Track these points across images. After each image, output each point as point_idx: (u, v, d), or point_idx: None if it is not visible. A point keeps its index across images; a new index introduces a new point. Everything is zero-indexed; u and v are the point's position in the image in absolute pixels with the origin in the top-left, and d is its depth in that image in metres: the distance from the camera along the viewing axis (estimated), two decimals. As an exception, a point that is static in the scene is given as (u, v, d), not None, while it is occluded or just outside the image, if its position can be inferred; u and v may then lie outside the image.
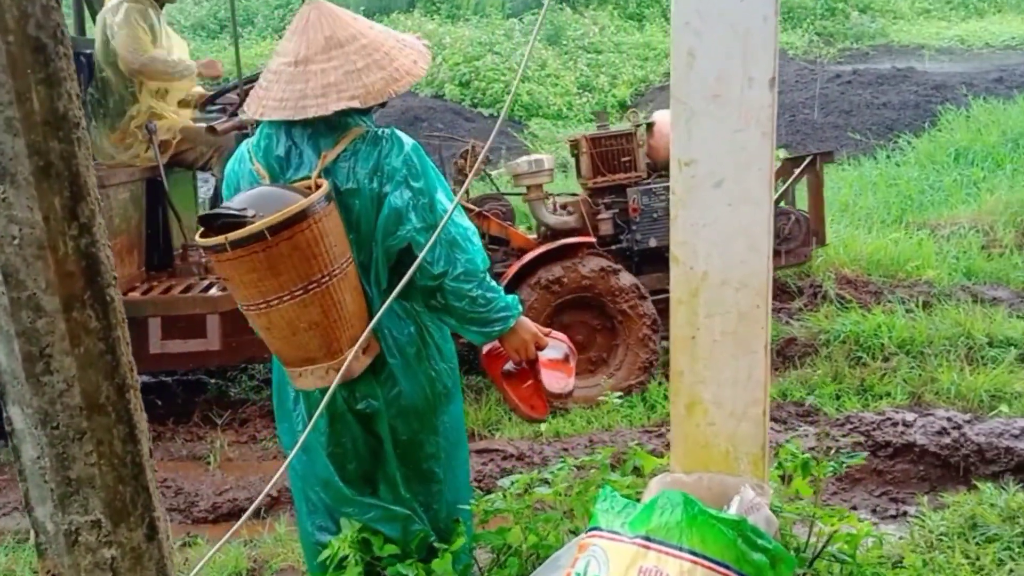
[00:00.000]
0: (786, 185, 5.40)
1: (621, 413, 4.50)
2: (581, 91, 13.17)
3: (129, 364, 1.35)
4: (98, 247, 1.27)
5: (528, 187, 5.14)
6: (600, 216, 5.15)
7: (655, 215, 5.03)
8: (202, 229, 2.37)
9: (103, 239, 1.29)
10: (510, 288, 4.71)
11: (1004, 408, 4.35)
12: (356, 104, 2.39)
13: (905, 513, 3.71)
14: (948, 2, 17.83)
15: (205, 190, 6.40)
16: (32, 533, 1.32)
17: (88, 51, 4.93)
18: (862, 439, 4.13)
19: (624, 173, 5.16)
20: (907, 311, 5.45)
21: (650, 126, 5.22)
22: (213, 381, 5.59)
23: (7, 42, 1.10)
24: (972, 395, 4.49)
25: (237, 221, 2.27)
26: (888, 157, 9.03)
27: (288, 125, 2.45)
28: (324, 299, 2.34)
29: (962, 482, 3.90)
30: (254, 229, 2.24)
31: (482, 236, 5.08)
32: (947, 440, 4.03)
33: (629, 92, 13.13)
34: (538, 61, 13.28)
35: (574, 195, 5.43)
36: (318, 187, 2.36)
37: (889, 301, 5.62)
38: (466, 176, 5.22)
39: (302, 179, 2.42)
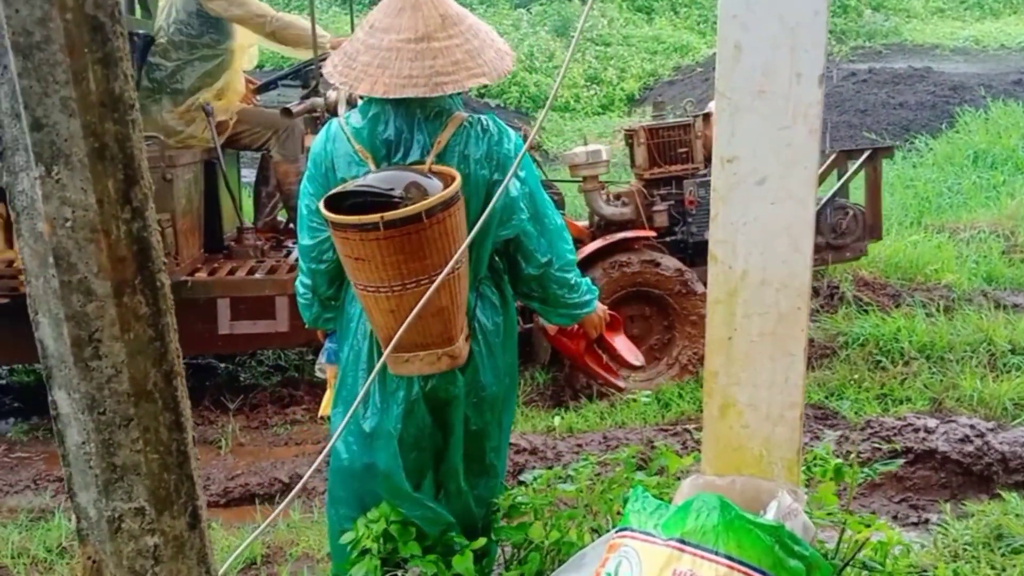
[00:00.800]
0: (843, 179, 5.35)
1: (635, 410, 4.46)
2: (589, 84, 13.12)
3: (177, 351, 1.32)
4: (149, 232, 1.24)
5: (584, 177, 5.12)
6: (655, 207, 5.14)
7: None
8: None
9: (154, 223, 1.25)
10: None
11: (1028, 416, 4.31)
12: (485, 81, 2.40)
13: (927, 521, 3.66)
14: (963, 2, 17.75)
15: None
16: (74, 518, 1.29)
17: (140, 31, 4.85)
18: (883, 444, 4.09)
19: (681, 164, 5.14)
20: (927, 315, 5.40)
21: (707, 116, 5.17)
22: (223, 366, 5.56)
23: (65, 20, 1.06)
24: (995, 403, 4.45)
25: (384, 201, 2.25)
26: (905, 158, 8.97)
27: (397, 106, 2.42)
28: (454, 285, 2.38)
29: (984, 491, 3.86)
30: (415, 210, 2.24)
31: None
32: (970, 448, 3.98)
33: (638, 86, 13.08)
34: (545, 53, 13.23)
35: (628, 185, 5.42)
36: (431, 171, 2.36)
37: (908, 305, 5.57)
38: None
39: (415, 163, 2.41)
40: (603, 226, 5.11)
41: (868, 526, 2.50)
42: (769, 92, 2.15)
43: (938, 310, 5.45)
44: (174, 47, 4.80)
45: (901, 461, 3.28)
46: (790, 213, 2.20)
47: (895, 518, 3.76)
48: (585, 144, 5.23)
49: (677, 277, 4.81)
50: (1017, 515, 3.37)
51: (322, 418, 2.82)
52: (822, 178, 5.18)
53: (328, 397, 2.79)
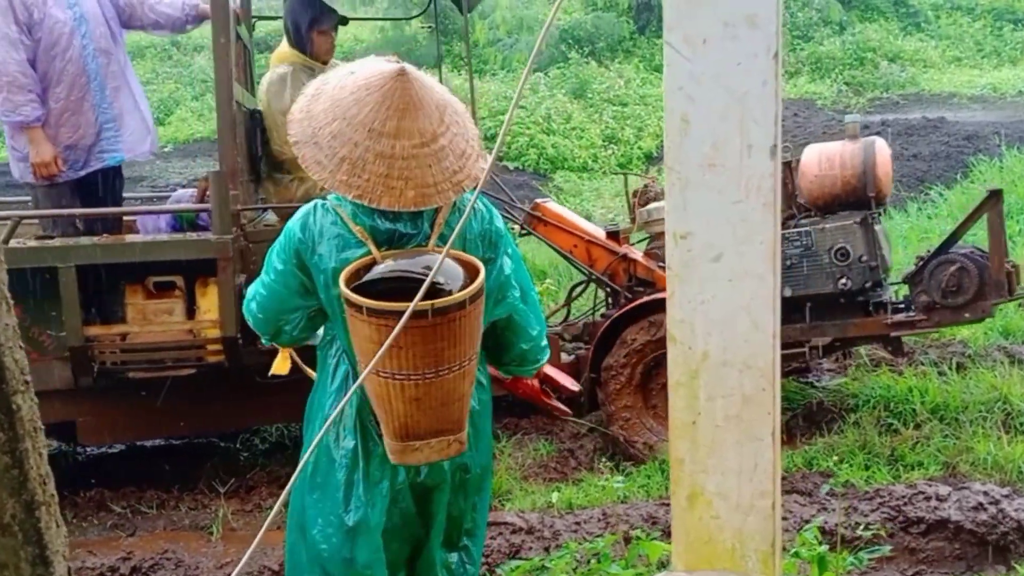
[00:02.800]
0: (956, 227, 4.86)
1: (637, 483, 4.31)
2: (606, 143, 13.14)
3: (40, 478, 1.22)
4: (2, 351, 1.15)
5: (658, 234, 5.02)
6: None
7: (789, 262, 4.73)
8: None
9: (10, 341, 1.16)
10: (615, 327, 4.78)
11: (1045, 480, 4.11)
12: (482, 163, 2.38)
13: (939, 597, 3.47)
14: (980, 50, 17.69)
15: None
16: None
17: (253, 107, 4.94)
18: (892, 514, 3.91)
19: None
20: (940, 373, 5.22)
21: (788, 164, 4.99)
22: (223, 444, 5.47)
23: None
24: (1011, 466, 4.25)
25: (415, 287, 2.17)
26: (919, 209, 8.83)
27: None
28: (472, 370, 2.37)
29: (1001, 562, 3.66)
30: (459, 297, 2.22)
31: (629, 278, 5.07)
32: (984, 516, 3.78)
33: (655, 144, 13.07)
34: (563, 115, 13.29)
35: None
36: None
37: (921, 363, 5.39)
38: (636, 215, 5.26)
39: (417, 246, 2.38)
40: None
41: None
42: (719, 165, 2.07)
43: (952, 368, 5.26)
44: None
45: (887, 548, 3.10)
46: (749, 290, 2.10)
47: (906, 595, 3.57)
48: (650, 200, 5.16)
49: None
50: (1033, 590, 3.18)
51: (272, 376, 2.74)
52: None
53: (281, 357, 2.74)
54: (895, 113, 13.11)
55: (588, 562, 2.46)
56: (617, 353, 4.74)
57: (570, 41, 16.47)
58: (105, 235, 4.59)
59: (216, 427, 5.21)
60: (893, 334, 4.76)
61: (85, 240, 4.37)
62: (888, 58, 16.56)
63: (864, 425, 4.72)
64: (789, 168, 4.96)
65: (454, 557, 2.65)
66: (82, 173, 4.73)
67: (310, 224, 2.40)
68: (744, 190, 2.06)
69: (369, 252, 2.33)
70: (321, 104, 2.32)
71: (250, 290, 2.55)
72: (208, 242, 4.20)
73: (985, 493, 3.89)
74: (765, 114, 2.03)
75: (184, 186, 8.69)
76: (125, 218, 5.05)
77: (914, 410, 4.82)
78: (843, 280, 4.69)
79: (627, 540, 2.93)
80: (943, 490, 3.94)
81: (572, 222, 5.27)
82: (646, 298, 4.76)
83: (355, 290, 2.25)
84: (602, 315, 5.21)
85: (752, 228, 2.07)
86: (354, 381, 2.45)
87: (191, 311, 4.32)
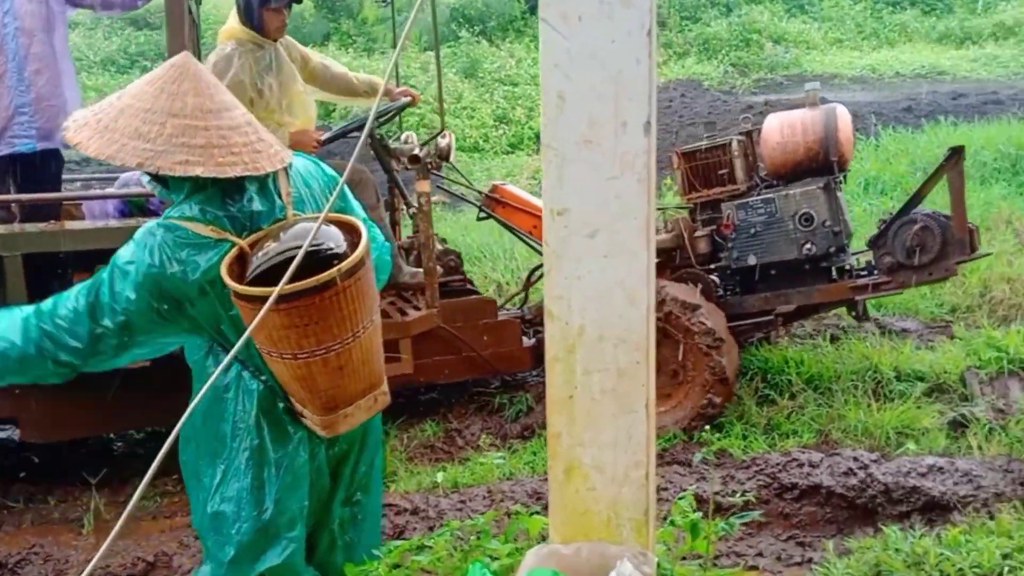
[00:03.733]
0: (919, 187, 4.92)
1: (523, 460, 4.35)
2: (498, 123, 13.11)
3: None
4: None
5: None
6: (698, 233, 4.96)
7: (753, 230, 4.79)
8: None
9: None
10: None
11: (911, 445, 4.31)
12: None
13: (811, 560, 3.61)
14: (860, 32, 18.25)
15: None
16: None
17: None
18: (768, 481, 4.05)
19: (721, 187, 4.95)
20: (814, 346, 5.41)
21: (750, 133, 5.03)
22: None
23: None
24: (879, 432, 4.45)
25: (323, 256, 2.19)
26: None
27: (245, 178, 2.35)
28: (379, 318, 2.41)
29: (869, 523, 3.84)
30: (360, 254, 2.22)
31: None
32: (854, 481, 3.96)
33: (546, 123, 13.10)
34: (454, 94, 13.21)
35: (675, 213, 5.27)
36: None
37: (798, 336, 5.58)
38: None
39: (275, 221, 2.36)
40: None
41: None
42: (595, 142, 2.08)
43: (825, 340, 5.46)
44: None
45: (757, 513, 3.21)
46: (624, 266, 2.12)
47: (779, 559, 3.71)
48: None
49: (677, 309, 4.57)
50: (897, 549, 3.33)
51: None
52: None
53: None
54: (779, 93, 13.44)
55: (468, 539, 2.47)
56: None
57: (460, 20, 16.36)
58: (52, 221, 4.33)
59: (167, 421, 4.96)
60: (858, 298, 4.84)
61: (32, 227, 4.13)
62: (773, 39, 16.94)
63: (743, 396, 4.86)
64: (750, 139, 5.03)
65: (347, 512, 2.70)
66: None
67: (156, 246, 2.32)
68: (619, 167, 2.08)
69: (232, 246, 2.29)
70: (132, 121, 2.28)
71: (74, 316, 2.37)
72: None
73: (855, 459, 4.07)
74: (639, 91, 2.05)
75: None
76: (69, 203, 4.80)
77: (790, 381, 4.98)
78: (808, 246, 4.75)
79: (510, 516, 2.96)
80: (816, 457, 4.11)
81: (532, 203, 5.26)
82: None
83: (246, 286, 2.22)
84: None
85: (627, 204, 2.09)
86: (259, 377, 2.43)
87: None
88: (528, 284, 5.62)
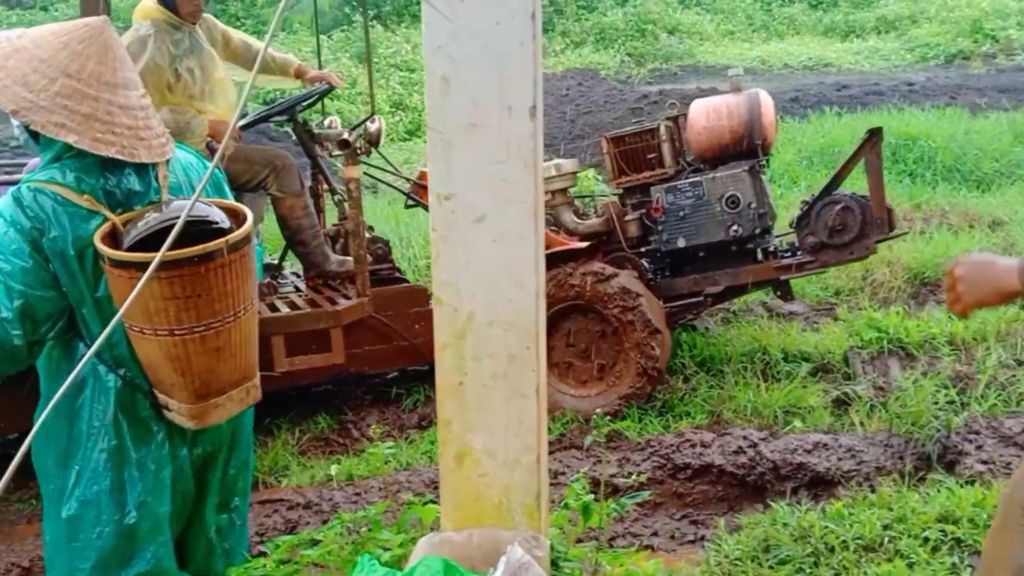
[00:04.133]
0: (839, 169, 4.96)
1: (421, 449, 4.33)
2: (394, 110, 13.00)
3: None
4: None
5: (552, 192, 5.00)
6: (628, 217, 5.01)
7: (681, 213, 4.82)
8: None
9: None
10: None
11: (797, 423, 4.43)
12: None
13: (703, 538, 3.69)
14: (751, 24, 18.66)
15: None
16: None
17: None
18: (662, 462, 4.11)
19: (649, 171, 4.97)
20: (706, 328, 5.52)
21: (677, 118, 5.05)
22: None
23: None
24: (768, 411, 4.56)
25: (206, 229, 2.10)
26: (692, 175, 9.26)
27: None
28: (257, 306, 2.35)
29: (759, 500, 3.93)
30: (248, 229, 2.15)
31: None
32: (743, 459, 4.05)
33: (445, 111, 13.03)
34: (348, 79, 13.02)
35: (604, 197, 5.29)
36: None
37: (691, 322, 5.68)
38: None
39: (149, 203, 2.29)
40: (580, 240, 5.01)
41: (625, 561, 2.47)
42: (480, 126, 2.07)
43: (717, 323, 5.58)
44: None
45: (647, 493, 3.27)
46: (512, 251, 2.12)
47: (673, 537, 3.77)
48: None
49: (621, 295, 4.62)
50: (784, 524, 3.43)
51: None
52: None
53: None
54: (672, 84, 13.65)
55: (360, 531, 2.44)
56: None
57: (354, 4, 16.15)
58: None
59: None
60: (783, 277, 4.94)
61: None
62: (667, 30, 17.20)
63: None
64: (677, 124, 5.08)
65: (224, 519, 2.62)
66: None
67: (30, 208, 2.21)
68: (505, 151, 2.08)
69: (105, 220, 2.21)
70: (23, 66, 2.18)
71: None
72: None
73: (745, 437, 4.17)
74: (524, 75, 2.05)
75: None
76: None
77: (683, 364, 5.08)
78: (734, 228, 4.81)
79: (405, 506, 2.94)
80: (707, 437, 4.19)
81: None
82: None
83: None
84: None
85: (514, 189, 2.09)
86: (117, 371, 2.33)
87: None
88: None
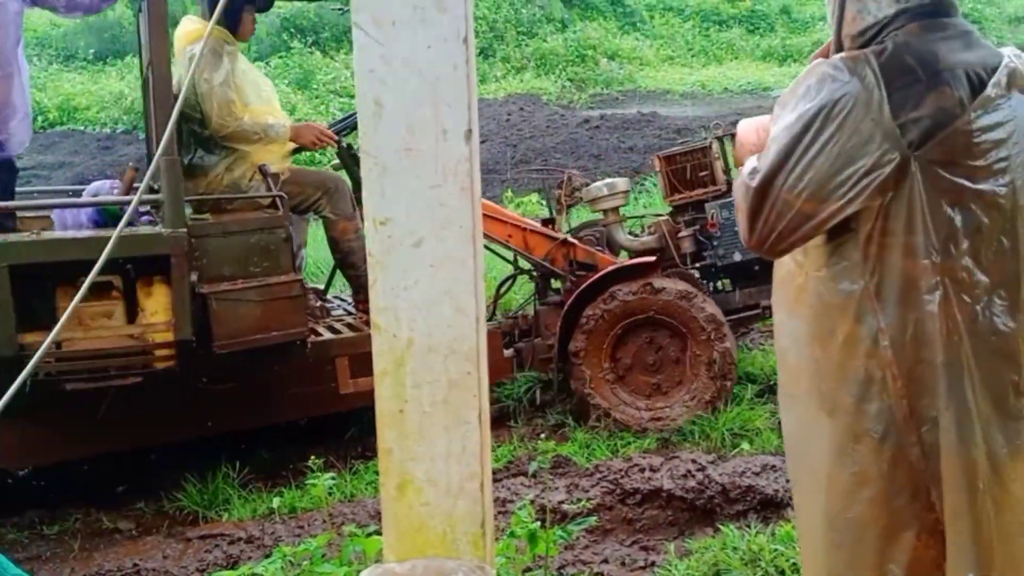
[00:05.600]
0: None
1: (365, 479, 4.25)
2: (336, 136, 12.94)
3: None
4: None
5: (605, 211, 5.12)
6: (681, 235, 5.06)
7: (736, 228, 4.84)
8: None
9: None
10: (574, 310, 4.79)
11: (745, 445, 4.44)
12: None
13: (653, 564, 3.66)
14: (690, 49, 18.95)
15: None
16: None
17: None
18: (611, 487, 4.08)
19: (702, 188, 5.03)
20: (747, 345, 5.55)
21: (724, 137, 5.14)
22: None
23: None
24: (716, 435, 4.57)
25: None
26: (635, 198, 9.33)
27: None
28: None
29: (709, 524, 3.92)
30: None
31: (570, 263, 5.11)
32: (692, 483, 4.04)
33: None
34: (287, 106, 12.96)
35: (656, 216, 5.39)
36: None
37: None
38: (563, 204, 5.33)
39: None
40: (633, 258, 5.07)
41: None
42: (416, 150, 2.04)
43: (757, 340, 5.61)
44: None
45: (593, 519, 3.24)
46: (451, 275, 2.09)
47: (623, 564, 3.73)
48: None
49: (677, 299, 4.71)
50: (734, 548, 3.42)
51: None
52: None
53: None
54: (614, 108, 13.81)
55: (302, 564, 2.38)
56: (580, 336, 4.79)
57: (292, 30, 16.10)
58: (39, 230, 4.04)
59: (153, 440, 4.65)
60: None
61: (16, 236, 3.81)
62: (608, 55, 17.41)
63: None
64: (722, 143, 5.13)
65: None
66: None
67: None
68: (441, 174, 2.05)
69: None
70: None
71: None
72: (160, 236, 3.77)
73: (693, 461, 4.16)
74: (458, 98, 2.02)
75: (109, 176, 7.68)
76: (39, 213, 4.50)
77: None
78: None
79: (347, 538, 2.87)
80: (656, 461, 4.18)
81: (506, 211, 5.38)
82: (596, 275, 4.87)
83: None
84: (541, 303, 5.28)
85: (451, 212, 2.06)
86: None
87: (131, 313, 3.86)
88: (497, 296, 5.70)
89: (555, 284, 5.31)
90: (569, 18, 18.49)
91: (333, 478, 2.84)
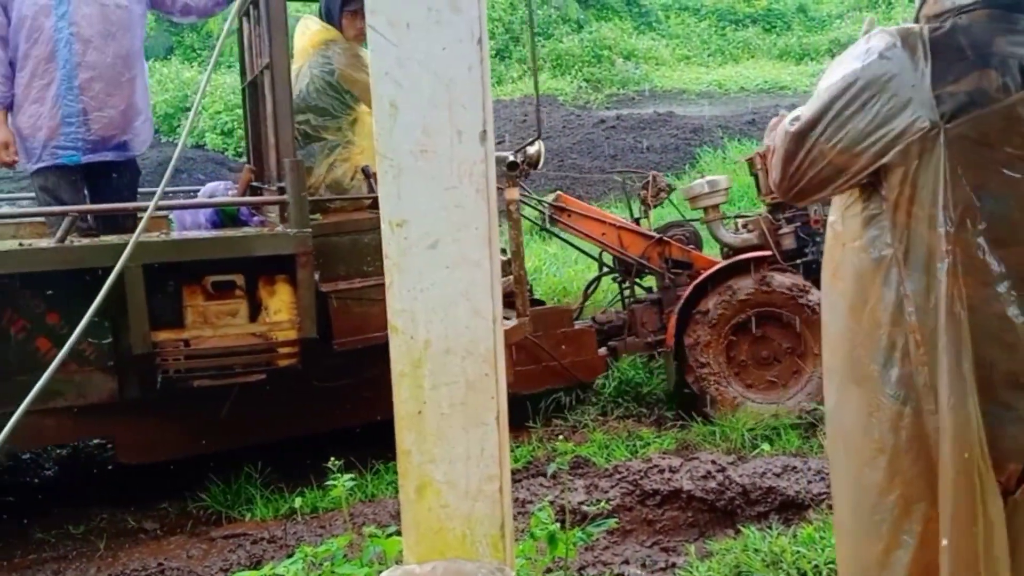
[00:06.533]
0: None
1: (385, 480, 4.26)
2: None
3: None
4: None
5: (706, 208, 5.19)
6: (782, 231, 5.09)
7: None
8: None
9: None
10: (687, 307, 4.83)
11: (766, 446, 4.41)
12: None
13: (674, 565, 3.64)
14: (706, 49, 18.91)
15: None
16: None
17: None
18: (631, 488, 4.07)
19: None
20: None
21: None
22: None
23: None
24: (736, 435, 4.54)
25: None
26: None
27: None
28: None
29: (729, 525, 3.90)
30: None
31: (665, 261, 5.22)
32: (713, 484, 4.01)
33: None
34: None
35: (752, 214, 5.45)
36: None
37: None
38: (649, 205, 5.42)
39: None
40: (732, 255, 5.12)
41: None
42: (431, 151, 2.04)
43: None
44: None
45: (613, 521, 3.23)
46: (467, 277, 2.09)
47: (644, 565, 3.72)
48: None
49: (791, 292, 4.77)
50: (756, 550, 3.39)
51: None
52: None
53: None
54: (630, 108, 13.79)
55: (323, 565, 2.38)
56: (698, 329, 4.86)
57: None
58: (164, 231, 4.16)
59: (270, 436, 4.66)
60: None
61: (146, 237, 3.89)
62: (623, 56, 17.40)
63: (605, 406, 4.91)
64: None
65: None
66: (37, 166, 4.26)
67: None
68: (457, 176, 2.05)
69: None
70: None
71: None
72: (286, 236, 3.82)
73: (713, 462, 4.14)
74: (473, 99, 2.03)
75: (230, 172, 7.77)
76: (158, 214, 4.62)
77: (651, 391, 5.07)
78: None
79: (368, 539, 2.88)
80: (675, 462, 4.16)
81: (600, 211, 5.50)
82: (715, 267, 4.96)
83: None
84: (633, 301, 5.38)
85: (467, 214, 2.06)
86: None
87: (253, 312, 3.96)
88: (585, 297, 5.79)
89: (642, 283, 5.43)
90: (585, 19, 18.47)
91: (353, 479, 2.84)
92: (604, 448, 4.51)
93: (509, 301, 4.94)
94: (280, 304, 3.94)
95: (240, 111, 12.42)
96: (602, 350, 5.24)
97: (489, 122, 2.06)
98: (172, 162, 2.01)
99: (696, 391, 4.94)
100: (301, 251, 3.84)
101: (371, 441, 4.81)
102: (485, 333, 2.11)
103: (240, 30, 4.94)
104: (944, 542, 1.81)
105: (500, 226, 4.96)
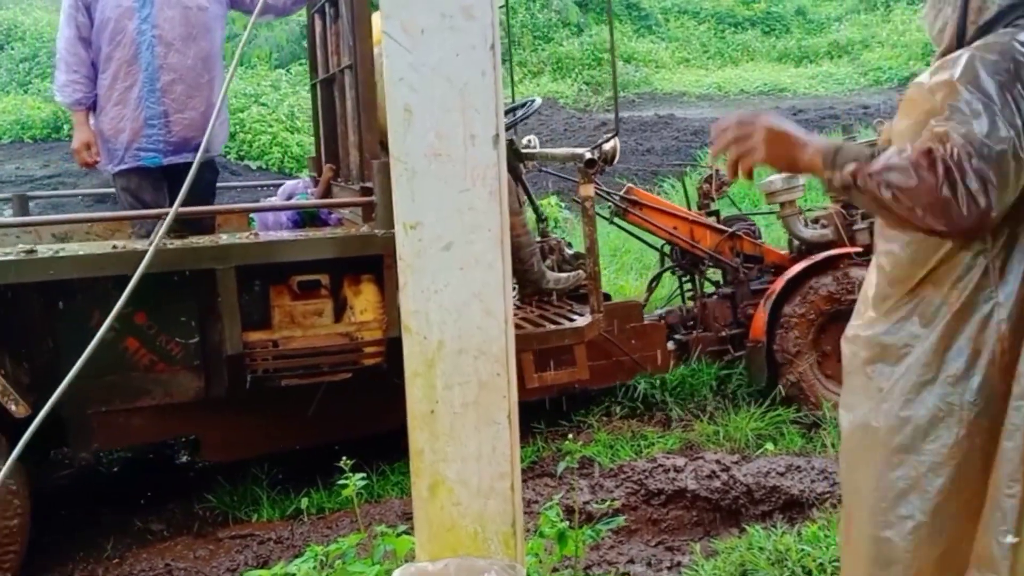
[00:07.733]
0: None
1: (392, 481, 4.28)
2: (358, 141, 13.01)
3: None
4: None
5: (782, 203, 5.14)
6: (856, 227, 5.07)
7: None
8: None
9: None
10: (777, 302, 4.81)
11: (769, 446, 4.44)
12: None
13: (679, 564, 3.67)
14: (705, 51, 18.96)
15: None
16: None
17: None
18: (635, 488, 4.10)
19: None
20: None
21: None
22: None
23: None
24: (739, 435, 4.57)
25: None
26: (654, 201, 9.35)
27: None
28: None
29: (734, 524, 3.93)
30: None
31: (736, 255, 5.20)
32: (717, 483, 4.04)
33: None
34: (307, 112, 13.05)
35: (825, 208, 5.38)
36: None
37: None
38: (710, 199, 5.38)
39: None
40: (804, 251, 5.11)
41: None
42: (445, 155, 2.08)
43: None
44: None
45: (622, 519, 3.26)
46: (480, 278, 2.12)
47: (650, 564, 3.74)
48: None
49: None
50: (761, 548, 3.42)
51: None
52: None
53: None
54: (630, 111, 13.82)
55: (334, 564, 2.41)
56: (786, 336, 4.86)
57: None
58: (253, 232, 4.18)
59: (353, 433, 4.64)
60: None
61: (235, 238, 3.95)
62: (623, 59, 17.45)
63: (614, 410, 4.95)
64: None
65: None
66: (119, 168, 4.31)
67: None
68: (470, 179, 2.09)
69: None
70: None
71: None
72: (374, 237, 3.84)
73: (717, 461, 4.16)
74: (486, 104, 2.06)
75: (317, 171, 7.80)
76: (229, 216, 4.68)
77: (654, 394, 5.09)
78: None
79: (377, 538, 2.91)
80: (680, 461, 4.18)
81: (672, 204, 5.54)
82: (810, 261, 4.90)
83: None
84: (702, 296, 5.36)
85: (479, 217, 2.10)
86: None
87: (338, 312, 3.99)
88: (650, 292, 5.81)
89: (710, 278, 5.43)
90: (585, 22, 18.53)
91: (364, 478, 2.87)
92: (609, 448, 4.53)
93: (584, 295, 4.98)
94: (366, 304, 3.96)
95: (242, 115, 12.60)
96: (672, 345, 5.25)
97: (501, 126, 2.09)
98: (192, 167, 2.03)
99: (794, 392, 4.91)
100: (388, 251, 3.81)
101: (376, 444, 4.85)
102: (497, 333, 2.14)
103: (311, 26, 4.94)
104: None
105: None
